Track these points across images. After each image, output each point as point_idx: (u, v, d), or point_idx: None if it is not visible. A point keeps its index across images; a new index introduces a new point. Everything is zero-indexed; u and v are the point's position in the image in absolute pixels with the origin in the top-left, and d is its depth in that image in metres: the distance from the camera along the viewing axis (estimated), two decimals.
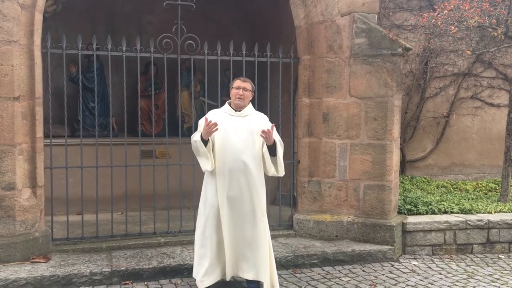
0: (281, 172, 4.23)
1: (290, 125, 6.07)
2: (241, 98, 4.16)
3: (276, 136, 4.13)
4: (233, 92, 4.20)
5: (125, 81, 5.32)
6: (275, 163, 4.18)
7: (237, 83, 4.20)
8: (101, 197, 5.31)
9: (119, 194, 5.44)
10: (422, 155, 7.81)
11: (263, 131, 3.98)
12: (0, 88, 4.54)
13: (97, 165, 5.24)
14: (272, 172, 4.19)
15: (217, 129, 3.97)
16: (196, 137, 4.09)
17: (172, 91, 7.39)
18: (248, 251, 4.14)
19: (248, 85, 4.20)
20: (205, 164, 4.11)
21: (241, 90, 4.15)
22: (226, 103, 4.30)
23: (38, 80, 4.82)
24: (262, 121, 4.22)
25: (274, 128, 4.10)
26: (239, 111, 4.19)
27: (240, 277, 4.34)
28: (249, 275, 4.17)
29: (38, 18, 4.79)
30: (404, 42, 5.61)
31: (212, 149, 4.11)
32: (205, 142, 4.03)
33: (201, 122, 4.10)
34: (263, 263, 4.14)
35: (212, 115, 4.20)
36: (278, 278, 4.40)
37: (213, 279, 4.18)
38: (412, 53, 7.33)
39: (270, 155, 4.13)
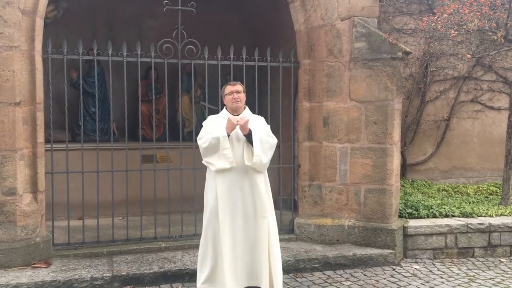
0: (258, 158, 4.02)
1: (291, 129, 6.07)
2: (237, 101, 4.21)
3: (259, 127, 4.16)
4: (227, 98, 4.26)
5: (125, 86, 5.33)
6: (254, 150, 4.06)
7: (228, 88, 4.26)
8: (102, 202, 5.32)
9: (120, 199, 5.44)
10: (422, 158, 7.81)
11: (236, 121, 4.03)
12: (1, 94, 4.55)
13: (98, 170, 5.25)
14: (256, 159, 4.05)
15: (239, 123, 4.03)
16: (218, 133, 4.04)
17: (172, 96, 7.39)
18: (250, 256, 4.11)
19: (238, 87, 4.27)
20: (221, 162, 4.05)
21: (234, 93, 4.21)
22: (224, 108, 4.34)
23: (39, 85, 4.83)
24: (259, 123, 4.25)
25: (265, 121, 4.26)
26: (237, 115, 4.21)
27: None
28: (252, 282, 4.13)
29: (39, 23, 4.81)
30: (404, 46, 5.62)
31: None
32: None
33: (206, 124, 4.22)
34: (264, 268, 4.09)
35: (212, 120, 4.28)
36: None
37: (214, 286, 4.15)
38: (412, 57, 7.33)
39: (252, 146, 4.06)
